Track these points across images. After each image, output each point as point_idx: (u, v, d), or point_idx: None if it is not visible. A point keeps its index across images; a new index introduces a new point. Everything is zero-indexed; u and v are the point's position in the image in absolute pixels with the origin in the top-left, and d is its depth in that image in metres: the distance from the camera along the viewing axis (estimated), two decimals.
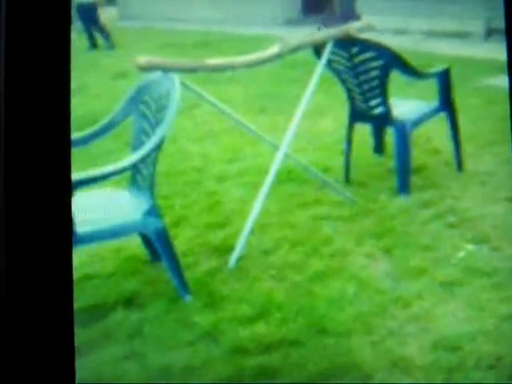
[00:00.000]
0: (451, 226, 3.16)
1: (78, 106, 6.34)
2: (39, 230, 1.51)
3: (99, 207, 2.75)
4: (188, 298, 2.65)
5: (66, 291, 1.53)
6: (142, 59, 2.97)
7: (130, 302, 2.69)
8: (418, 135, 3.79)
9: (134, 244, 3.02)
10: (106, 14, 19.37)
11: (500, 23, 1.64)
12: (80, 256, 2.98)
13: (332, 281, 2.74)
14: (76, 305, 2.61)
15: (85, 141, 3.04)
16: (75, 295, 2.68)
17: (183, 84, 2.87)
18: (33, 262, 1.49)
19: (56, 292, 1.51)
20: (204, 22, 12.93)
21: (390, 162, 3.83)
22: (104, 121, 2.93)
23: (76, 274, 2.86)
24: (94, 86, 7.00)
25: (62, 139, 1.54)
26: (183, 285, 2.67)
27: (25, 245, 1.48)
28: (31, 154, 1.46)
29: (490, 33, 8.03)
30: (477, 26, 8.22)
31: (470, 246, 2.95)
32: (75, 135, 2.93)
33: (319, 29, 3.80)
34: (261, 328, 2.46)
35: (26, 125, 1.44)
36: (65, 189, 1.56)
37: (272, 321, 2.50)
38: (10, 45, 1.41)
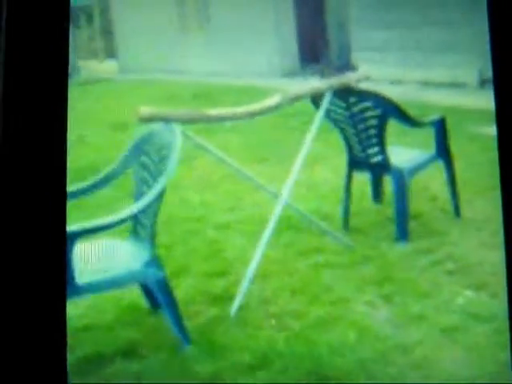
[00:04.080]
0: (450, 272, 3.17)
1: (78, 156, 6.41)
2: (34, 280, 1.52)
3: (100, 257, 2.75)
4: (188, 348, 2.64)
5: (60, 344, 1.53)
6: (145, 110, 3.00)
7: (129, 352, 2.68)
8: (415, 183, 3.83)
9: (134, 293, 3.02)
10: (108, 67, 19.73)
11: None
12: (80, 306, 2.98)
13: (332, 328, 2.73)
14: (75, 355, 2.63)
15: (86, 191, 3.06)
16: (75, 346, 2.69)
17: (184, 134, 2.91)
18: (27, 311, 1.49)
19: (50, 343, 1.51)
20: (203, 73, 13.15)
21: (388, 209, 3.86)
22: (105, 171, 2.96)
23: (76, 325, 2.89)
24: (94, 136, 7.08)
25: (59, 192, 1.56)
26: (184, 334, 2.65)
27: (18, 294, 1.48)
28: (27, 206, 1.48)
29: (483, 83, 8.16)
30: (470, 76, 8.35)
31: (468, 293, 2.96)
32: (77, 186, 2.97)
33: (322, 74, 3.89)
34: (262, 376, 2.45)
35: (23, 177, 1.47)
36: (60, 241, 1.57)
37: (273, 369, 2.49)
38: (7, 92, 1.45)
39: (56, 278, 1.53)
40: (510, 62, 1.54)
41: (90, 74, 17.74)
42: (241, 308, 2.95)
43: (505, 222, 1.51)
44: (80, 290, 2.46)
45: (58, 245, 1.54)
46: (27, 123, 1.51)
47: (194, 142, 3.17)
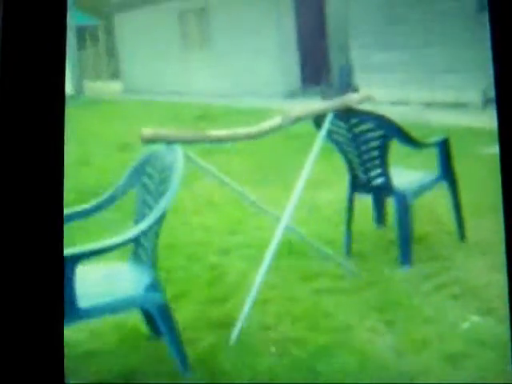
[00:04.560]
0: (455, 297, 3.13)
1: (82, 178, 6.41)
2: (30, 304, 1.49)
3: (100, 281, 2.73)
4: (189, 375, 2.60)
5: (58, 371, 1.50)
6: (148, 131, 2.99)
7: (130, 378, 2.65)
8: (419, 205, 3.79)
9: (135, 319, 2.99)
10: (112, 87, 19.82)
11: None
12: (80, 332, 2.95)
13: (335, 356, 2.69)
14: (77, 381, 2.59)
15: (89, 213, 3.04)
16: (76, 371, 2.66)
17: (186, 156, 2.88)
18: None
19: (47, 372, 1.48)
20: (205, 95, 13.19)
21: (391, 232, 3.82)
22: (107, 193, 2.94)
23: (77, 350, 2.85)
24: (99, 157, 7.08)
25: (55, 216, 1.54)
26: (184, 361, 2.61)
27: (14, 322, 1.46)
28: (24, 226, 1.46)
29: (487, 102, 8.16)
30: (474, 97, 8.36)
31: (474, 317, 2.91)
32: (79, 207, 2.95)
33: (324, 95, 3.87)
34: None
35: (19, 193, 1.44)
36: (57, 266, 1.55)
37: None
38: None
39: (53, 295, 1.50)
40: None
41: (95, 94, 17.83)
42: (241, 334, 2.91)
43: (507, 244, 1.48)
44: (81, 314, 2.43)
45: (55, 264, 1.51)
46: (23, 129, 1.49)
47: (196, 163, 3.15)
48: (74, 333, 2.89)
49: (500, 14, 1.54)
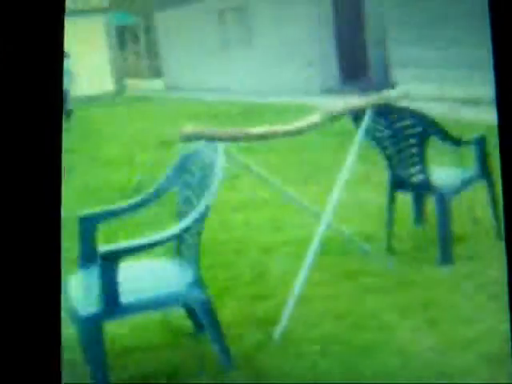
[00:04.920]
0: (495, 297, 3.10)
1: (124, 175, 6.48)
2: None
3: (144, 277, 2.76)
4: (232, 372, 2.61)
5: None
6: (187, 128, 2.98)
7: (173, 375, 2.67)
8: (458, 204, 3.76)
9: (178, 315, 3.02)
10: (153, 85, 19.98)
11: None
12: (124, 327, 2.99)
13: (377, 355, 2.69)
14: (119, 376, 2.63)
15: (131, 210, 3.05)
16: (119, 366, 2.69)
17: (227, 153, 2.88)
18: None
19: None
20: (244, 92, 13.21)
21: (432, 231, 3.79)
22: (150, 190, 2.96)
23: (120, 345, 2.90)
24: (139, 155, 7.15)
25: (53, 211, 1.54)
26: (227, 358, 2.62)
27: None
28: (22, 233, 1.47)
29: None
30: None
31: None
32: (122, 204, 2.99)
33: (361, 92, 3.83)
34: None
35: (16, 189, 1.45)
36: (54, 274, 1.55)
37: None
38: None
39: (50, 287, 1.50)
40: None
41: (137, 92, 18.01)
42: (285, 332, 2.93)
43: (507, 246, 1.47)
44: (123, 310, 2.46)
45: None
46: (19, 125, 1.50)
47: (237, 161, 3.16)
48: (116, 328, 2.93)
49: (501, 16, 1.53)
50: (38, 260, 1.52)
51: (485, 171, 3.82)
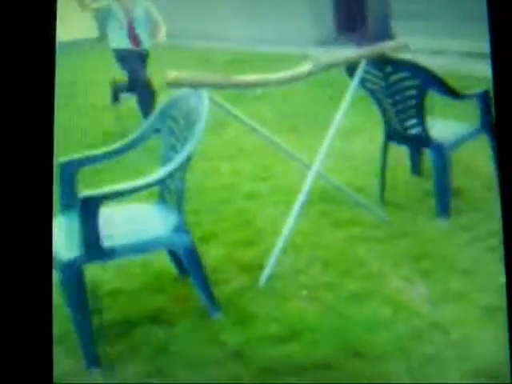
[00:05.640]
0: (492, 249, 3.04)
1: (107, 121, 6.37)
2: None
3: (127, 222, 2.72)
4: (217, 316, 2.59)
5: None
6: (172, 74, 2.90)
7: (156, 318, 2.65)
8: (457, 156, 3.68)
9: (162, 260, 2.98)
10: None
11: None
12: (107, 271, 2.95)
13: (367, 303, 2.64)
14: (102, 319, 2.59)
15: (114, 154, 3.03)
16: (102, 309, 2.64)
17: (212, 100, 2.81)
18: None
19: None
20: (235, 40, 12.97)
21: (427, 183, 3.74)
22: (134, 134, 2.91)
23: (103, 289, 2.85)
24: (124, 101, 7.00)
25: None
26: (212, 302, 2.61)
27: None
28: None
29: None
30: None
31: None
32: (104, 149, 2.92)
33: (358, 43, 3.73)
34: (291, 349, 2.39)
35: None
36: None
37: (303, 342, 2.42)
38: None
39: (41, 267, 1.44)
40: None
41: None
42: (271, 278, 2.89)
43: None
44: (106, 254, 2.42)
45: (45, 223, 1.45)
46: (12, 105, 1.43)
47: (224, 108, 3.07)
48: (100, 271, 2.89)
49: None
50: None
51: (488, 125, 3.72)
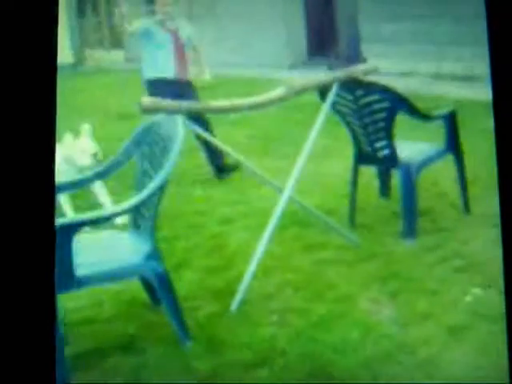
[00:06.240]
0: (458, 269, 3.09)
1: None
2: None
3: (99, 249, 2.71)
4: (188, 343, 2.59)
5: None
6: (147, 100, 2.95)
7: (129, 346, 2.64)
8: (424, 177, 3.75)
9: (135, 287, 2.97)
10: (112, 57, 19.61)
11: None
12: (79, 299, 2.93)
13: (336, 326, 2.66)
14: (74, 349, 2.58)
15: (88, 181, 3.05)
16: (74, 339, 2.64)
17: (187, 125, 2.84)
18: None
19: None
20: (209, 64, 13.04)
21: (395, 204, 3.78)
22: (107, 162, 2.91)
23: (75, 318, 2.84)
24: (99, 127, 7.00)
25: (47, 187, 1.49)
26: (183, 330, 2.60)
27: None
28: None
29: None
30: (483, 69, 8.24)
31: (477, 290, 2.88)
32: (79, 176, 2.91)
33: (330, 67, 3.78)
34: (263, 374, 2.39)
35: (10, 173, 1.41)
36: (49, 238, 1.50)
37: (274, 367, 2.43)
38: None
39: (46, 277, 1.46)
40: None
41: (96, 63, 17.66)
42: (242, 303, 2.89)
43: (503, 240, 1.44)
44: (79, 282, 2.41)
45: (48, 241, 1.47)
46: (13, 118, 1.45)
47: (197, 133, 3.10)
48: (72, 300, 2.88)
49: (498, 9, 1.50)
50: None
51: (453, 146, 3.80)
